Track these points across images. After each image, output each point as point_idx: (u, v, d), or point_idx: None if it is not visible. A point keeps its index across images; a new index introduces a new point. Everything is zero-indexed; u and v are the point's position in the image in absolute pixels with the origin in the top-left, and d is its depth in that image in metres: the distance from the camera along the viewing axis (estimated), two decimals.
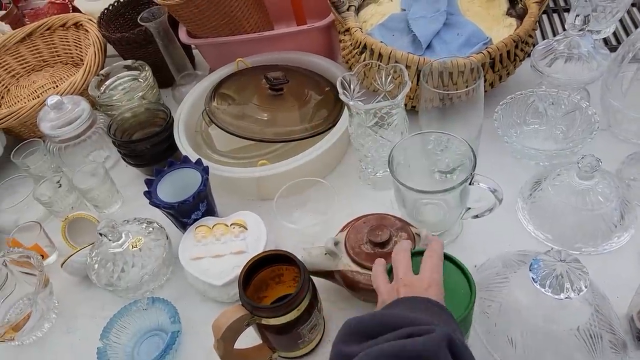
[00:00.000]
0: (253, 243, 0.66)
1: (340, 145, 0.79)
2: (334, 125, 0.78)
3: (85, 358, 0.65)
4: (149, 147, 0.81)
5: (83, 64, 1.02)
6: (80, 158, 0.89)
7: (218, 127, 0.77)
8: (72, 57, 1.14)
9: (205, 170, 0.70)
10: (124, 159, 0.86)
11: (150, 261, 0.67)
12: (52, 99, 0.82)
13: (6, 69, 1.12)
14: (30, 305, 0.63)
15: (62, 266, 0.71)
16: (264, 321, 0.51)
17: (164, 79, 1.01)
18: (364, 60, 0.77)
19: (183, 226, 0.72)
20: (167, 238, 0.70)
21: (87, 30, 1.06)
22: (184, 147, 0.79)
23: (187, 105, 0.87)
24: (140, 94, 0.92)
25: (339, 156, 0.82)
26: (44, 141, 0.88)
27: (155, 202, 0.68)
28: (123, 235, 0.67)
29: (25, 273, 0.71)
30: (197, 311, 0.67)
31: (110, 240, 0.66)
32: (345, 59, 0.84)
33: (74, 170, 0.83)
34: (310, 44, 0.92)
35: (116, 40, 0.98)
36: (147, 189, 0.70)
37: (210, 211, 0.73)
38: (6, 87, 1.13)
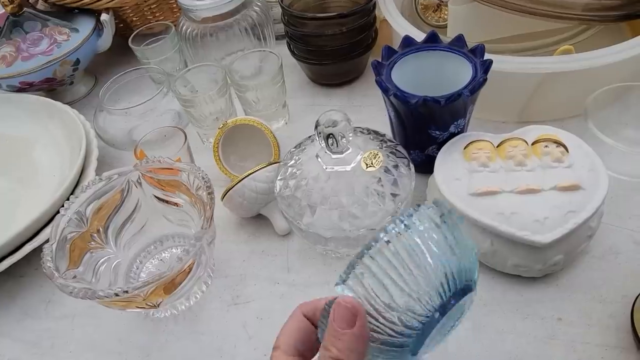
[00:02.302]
0: (589, 174, 0.37)
1: None
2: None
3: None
4: (344, 32, 0.53)
5: None
6: (213, 59, 0.61)
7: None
8: None
9: (479, 51, 0.41)
10: (292, 50, 0.58)
11: (400, 191, 0.38)
12: None
13: None
14: (193, 252, 0.36)
15: (223, 198, 0.44)
16: None
17: None
18: None
19: (422, 146, 0.44)
20: (408, 159, 0.41)
21: None
22: (405, 27, 0.50)
23: None
24: None
25: None
26: (174, 26, 0.61)
27: (403, 95, 0.39)
28: (350, 147, 0.38)
29: (162, 200, 0.44)
30: None
31: (331, 150, 0.37)
32: None
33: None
34: None
35: None
36: (377, 77, 0.41)
37: (466, 126, 0.44)
38: None
